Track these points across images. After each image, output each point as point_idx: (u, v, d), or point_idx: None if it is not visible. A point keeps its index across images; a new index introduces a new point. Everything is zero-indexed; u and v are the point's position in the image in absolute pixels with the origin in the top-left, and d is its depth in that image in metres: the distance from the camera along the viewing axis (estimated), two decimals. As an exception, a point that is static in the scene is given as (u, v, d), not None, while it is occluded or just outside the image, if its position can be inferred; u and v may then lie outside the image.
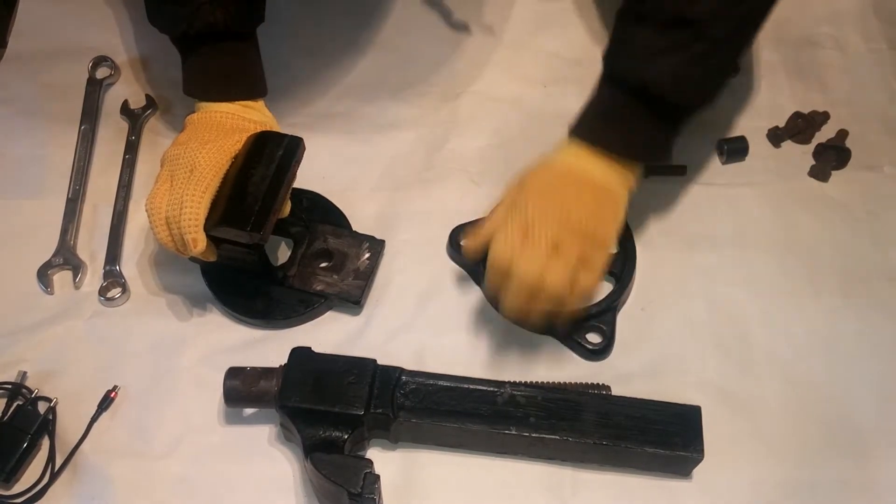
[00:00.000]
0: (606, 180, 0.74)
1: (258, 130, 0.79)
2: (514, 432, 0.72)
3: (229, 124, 0.78)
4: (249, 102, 0.80)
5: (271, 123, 0.82)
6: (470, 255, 0.77)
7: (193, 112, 0.80)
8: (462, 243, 0.81)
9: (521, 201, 0.72)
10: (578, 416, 0.72)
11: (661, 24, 0.70)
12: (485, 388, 0.74)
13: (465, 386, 0.74)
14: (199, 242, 0.72)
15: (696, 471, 0.74)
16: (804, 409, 0.78)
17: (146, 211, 0.74)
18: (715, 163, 0.92)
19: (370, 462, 0.69)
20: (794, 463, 0.75)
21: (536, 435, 0.72)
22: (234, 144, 0.76)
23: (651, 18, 0.71)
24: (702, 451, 0.72)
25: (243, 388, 0.73)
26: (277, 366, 0.74)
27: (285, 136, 0.78)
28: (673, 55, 0.71)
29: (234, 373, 0.74)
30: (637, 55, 0.72)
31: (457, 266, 0.86)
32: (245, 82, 0.81)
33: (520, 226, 0.71)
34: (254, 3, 0.81)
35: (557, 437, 0.72)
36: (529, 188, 0.73)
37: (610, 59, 0.76)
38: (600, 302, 0.81)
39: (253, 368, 0.74)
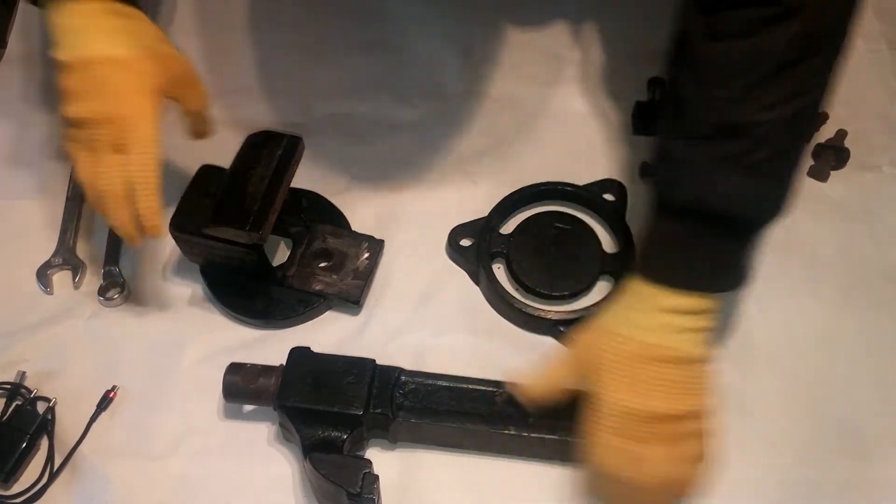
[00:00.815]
0: (689, 349, 0.66)
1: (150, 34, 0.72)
2: (513, 432, 0.72)
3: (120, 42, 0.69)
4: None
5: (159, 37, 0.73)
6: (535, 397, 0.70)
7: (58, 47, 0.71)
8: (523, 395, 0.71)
9: (609, 400, 0.65)
10: (578, 416, 0.72)
11: (709, 136, 0.64)
12: (484, 388, 0.74)
13: (465, 386, 0.74)
14: (159, 229, 0.70)
15: (696, 471, 0.74)
16: (804, 409, 0.78)
17: (85, 186, 0.71)
18: (715, 163, 0.92)
19: (369, 462, 0.69)
20: (794, 463, 0.75)
21: (536, 435, 0.72)
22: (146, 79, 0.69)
23: (697, 132, 0.65)
24: None
25: (243, 384, 0.73)
26: (279, 364, 0.74)
27: (285, 135, 0.78)
28: (733, 168, 0.64)
29: (234, 368, 0.74)
30: (696, 177, 0.65)
31: (457, 266, 0.86)
32: None
33: (616, 430, 0.64)
34: None
35: (557, 438, 0.72)
36: (610, 380, 0.65)
37: (667, 188, 0.67)
38: (600, 302, 0.81)
39: (253, 365, 0.74)
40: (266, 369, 0.74)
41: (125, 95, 0.69)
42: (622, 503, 0.68)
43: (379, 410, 0.72)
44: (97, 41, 0.69)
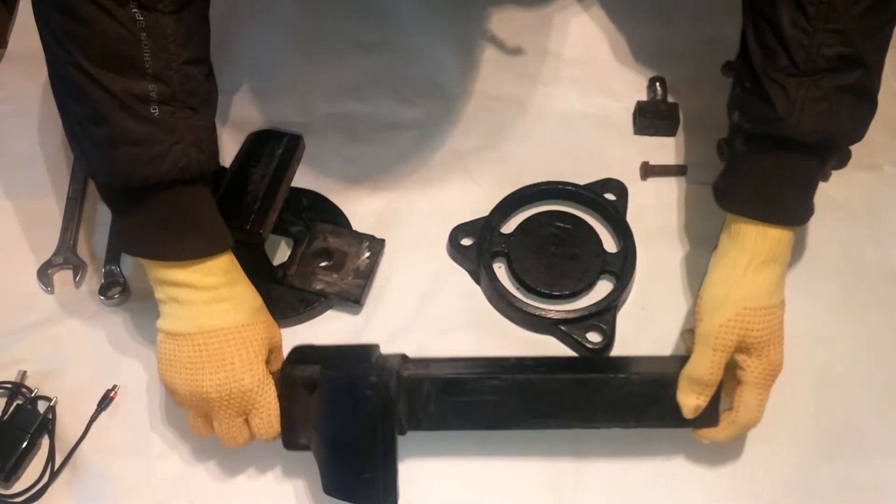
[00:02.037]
0: (781, 295, 0.72)
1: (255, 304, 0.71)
2: (519, 377, 0.71)
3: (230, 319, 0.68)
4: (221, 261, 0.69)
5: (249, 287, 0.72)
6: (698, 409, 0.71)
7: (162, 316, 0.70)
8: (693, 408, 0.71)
9: (764, 357, 0.70)
10: (591, 397, 0.71)
11: (827, 69, 0.66)
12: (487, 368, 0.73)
13: (470, 374, 0.72)
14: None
15: (695, 469, 0.75)
16: (804, 409, 0.78)
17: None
18: (715, 163, 0.92)
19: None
20: (794, 463, 0.75)
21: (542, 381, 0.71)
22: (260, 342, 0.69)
23: (812, 68, 0.66)
24: (716, 418, 0.71)
25: None
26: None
27: (285, 134, 0.78)
28: (854, 96, 0.67)
29: None
30: (820, 110, 0.67)
31: (457, 265, 0.86)
32: (214, 231, 0.69)
33: (759, 396, 0.70)
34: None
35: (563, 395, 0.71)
36: (768, 339, 0.70)
37: (781, 126, 0.68)
38: (600, 301, 0.81)
39: None
40: None
41: (242, 369, 0.67)
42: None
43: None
44: (212, 310, 0.68)
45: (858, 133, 0.71)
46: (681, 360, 0.72)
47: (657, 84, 0.95)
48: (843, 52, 0.65)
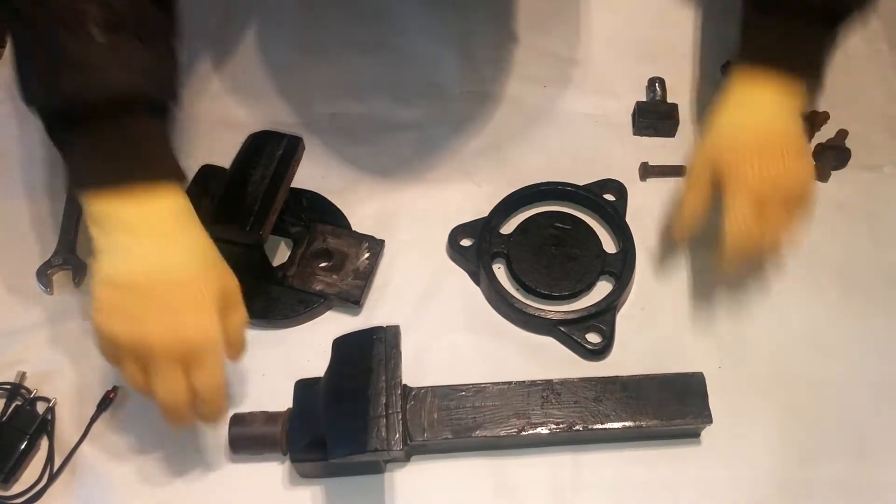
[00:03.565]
0: (790, 124, 0.76)
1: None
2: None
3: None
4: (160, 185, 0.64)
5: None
6: (683, 238, 0.80)
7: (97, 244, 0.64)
8: (676, 229, 0.81)
9: (739, 176, 0.74)
10: (585, 402, 0.73)
11: None
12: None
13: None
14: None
15: (694, 469, 0.75)
16: (804, 409, 0.78)
17: (139, 391, 0.65)
18: (715, 163, 0.92)
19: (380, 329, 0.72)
20: (793, 463, 0.75)
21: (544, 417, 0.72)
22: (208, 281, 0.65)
23: None
24: (710, 416, 0.73)
25: (248, 435, 0.73)
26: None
27: (285, 135, 0.78)
28: None
29: (238, 420, 0.73)
30: None
31: (457, 266, 0.86)
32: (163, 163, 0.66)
33: (749, 203, 0.73)
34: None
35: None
36: (736, 160, 0.74)
37: None
38: (600, 302, 0.81)
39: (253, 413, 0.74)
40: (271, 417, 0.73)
41: (191, 318, 0.64)
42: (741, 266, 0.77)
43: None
44: (159, 254, 0.64)
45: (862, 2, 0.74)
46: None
47: (657, 84, 0.95)
48: None
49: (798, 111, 0.76)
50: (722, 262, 0.75)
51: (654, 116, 0.92)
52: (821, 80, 0.77)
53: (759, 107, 0.76)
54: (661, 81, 0.95)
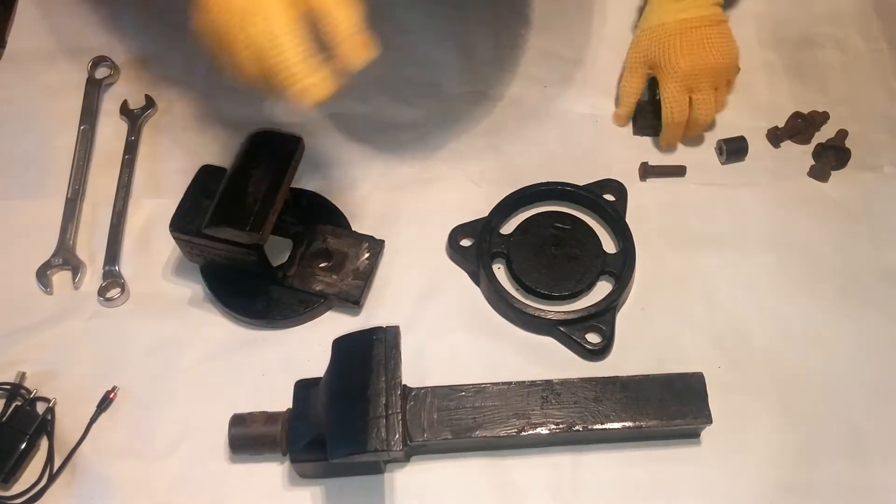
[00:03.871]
0: (722, 13, 0.90)
1: None
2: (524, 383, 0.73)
3: None
4: None
5: None
6: (624, 117, 0.93)
7: None
8: (617, 112, 0.94)
9: (669, 64, 0.88)
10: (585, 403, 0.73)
11: None
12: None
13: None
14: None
15: (693, 469, 0.75)
16: (803, 410, 0.78)
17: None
18: (714, 163, 0.92)
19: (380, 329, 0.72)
20: (793, 463, 0.75)
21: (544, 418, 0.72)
22: None
23: None
24: (709, 416, 0.73)
25: (249, 435, 0.73)
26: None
27: (285, 135, 0.78)
28: None
29: (238, 420, 0.73)
30: None
31: (457, 266, 0.86)
32: None
33: (681, 87, 0.88)
34: None
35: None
36: (667, 49, 0.88)
37: None
38: (600, 302, 0.81)
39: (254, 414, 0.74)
40: (270, 417, 0.73)
41: None
42: (673, 136, 0.91)
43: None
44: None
45: None
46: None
47: (657, 84, 0.94)
48: None
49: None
50: (662, 140, 0.91)
51: (655, 116, 0.92)
52: None
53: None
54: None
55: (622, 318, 0.82)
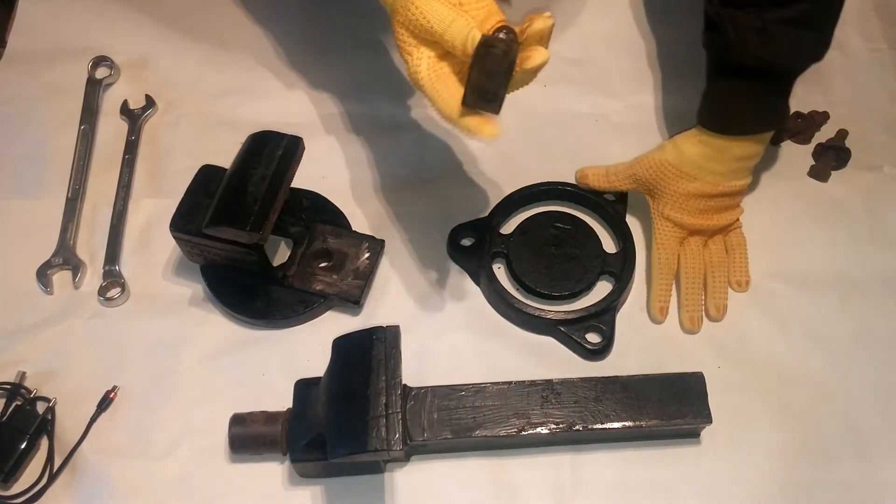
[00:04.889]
0: (745, 182, 0.84)
1: None
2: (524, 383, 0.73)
3: None
4: None
5: None
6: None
7: None
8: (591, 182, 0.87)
9: (669, 215, 0.83)
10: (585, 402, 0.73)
11: (776, 2, 0.75)
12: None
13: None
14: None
15: (693, 469, 0.75)
16: (803, 410, 0.78)
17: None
18: (715, 163, 0.92)
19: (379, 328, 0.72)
20: (792, 463, 0.75)
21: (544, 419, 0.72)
22: None
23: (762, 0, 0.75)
24: (709, 416, 0.73)
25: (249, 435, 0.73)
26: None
27: (285, 135, 0.78)
28: (787, 26, 0.75)
29: (238, 420, 0.73)
30: (767, 38, 0.76)
31: (457, 266, 0.86)
32: None
33: (673, 233, 0.84)
34: None
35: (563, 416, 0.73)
36: (674, 205, 0.83)
37: (721, 48, 0.80)
38: (600, 302, 0.81)
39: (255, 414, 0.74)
40: (270, 417, 0.73)
41: None
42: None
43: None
44: None
45: (799, 62, 0.80)
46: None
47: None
48: None
49: (755, 160, 0.83)
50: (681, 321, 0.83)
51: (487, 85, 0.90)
52: (782, 123, 0.85)
53: (714, 170, 0.82)
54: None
55: (622, 318, 0.82)
